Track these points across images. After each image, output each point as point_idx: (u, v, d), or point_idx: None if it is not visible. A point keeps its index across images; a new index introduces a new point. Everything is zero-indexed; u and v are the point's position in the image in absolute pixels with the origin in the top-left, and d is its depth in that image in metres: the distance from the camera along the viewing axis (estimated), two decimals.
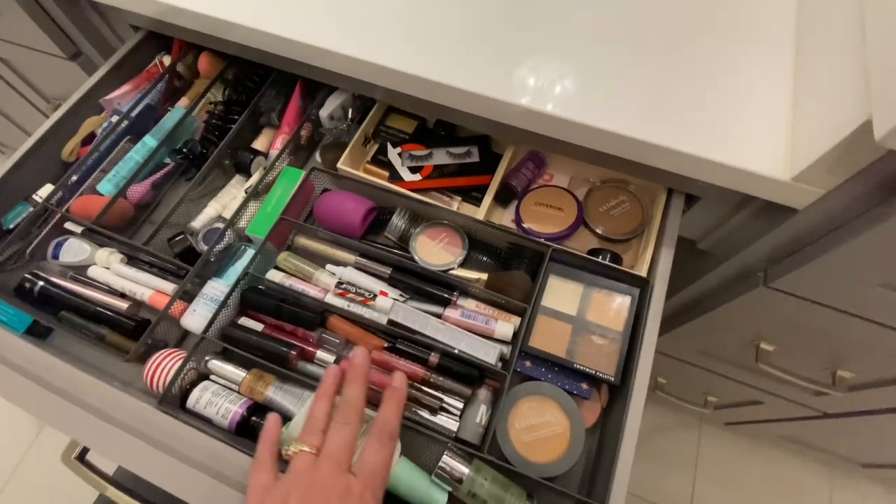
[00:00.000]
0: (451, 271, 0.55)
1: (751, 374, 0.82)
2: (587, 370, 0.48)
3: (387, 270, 0.56)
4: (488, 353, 0.50)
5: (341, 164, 0.60)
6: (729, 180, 0.47)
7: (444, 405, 0.49)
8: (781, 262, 0.54)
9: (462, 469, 0.44)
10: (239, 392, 0.48)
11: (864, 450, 0.99)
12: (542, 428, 0.47)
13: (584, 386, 0.49)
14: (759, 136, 0.47)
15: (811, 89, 0.47)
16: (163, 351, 0.50)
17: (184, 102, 0.68)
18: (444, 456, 0.44)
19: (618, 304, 0.51)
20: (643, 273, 0.51)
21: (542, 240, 0.54)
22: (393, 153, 0.63)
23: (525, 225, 0.58)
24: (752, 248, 0.55)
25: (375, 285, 0.55)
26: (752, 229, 0.54)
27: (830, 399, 0.77)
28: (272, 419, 0.41)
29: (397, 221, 0.58)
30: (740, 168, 0.45)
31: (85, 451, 0.49)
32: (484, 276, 0.55)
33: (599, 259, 0.53)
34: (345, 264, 0.57)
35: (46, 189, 0.62)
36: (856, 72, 0.39)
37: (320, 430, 0.38)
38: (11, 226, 0.60)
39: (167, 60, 0.71)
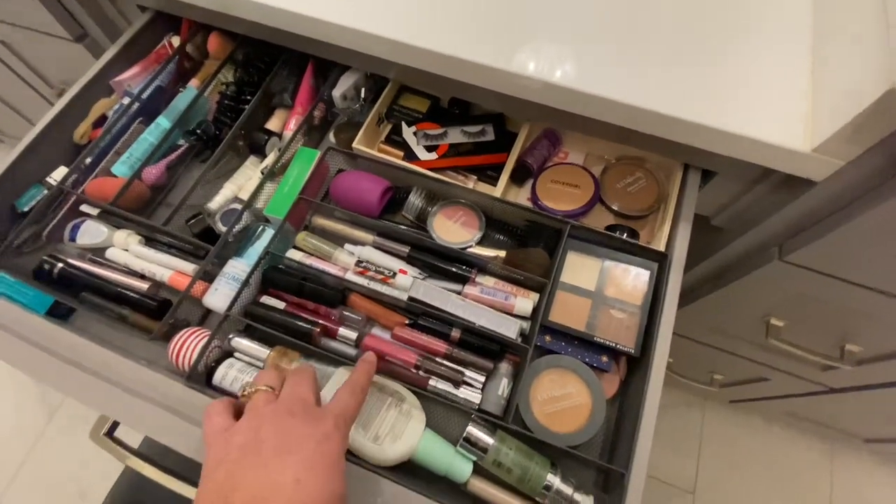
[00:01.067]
0: (469, 249, 0.56)
1: (759, 351, 0.83)
2: (607, 343, 0.49)
3: (405, 249, 0.56)
4: (509, 328, 0.51)
5: (356, 144, 0.60)
6: (748, 153, 0.47)
7: (467, 379, 0.49)
8: (797, 236, 0.55)
9: (487, 439, 0.45)
10: (264, 368, 0.49)
11: (868, 425, 1.01)
12: (563, 399, 0.48)
13: (604, 359, 0.50)
14: (777, 107, 0.47)
15: (831, 59, 0.47)
16: (186, 329, 0.51)
17: (195, 83, 0.68)
18: (469, 426, 0.45)
19: (636, 279, 0.52)
20: (661, 248, 0.52)
21: (560, 217, 0.55)
22: (408, 132, 0.63)
23: (542, 202, 0.59)
24: (768, 222, 0.56)
25: (394, 264, 0.55)
26: (769, 204, 0.54)
27: (837, 374, 0.79)
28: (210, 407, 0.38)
29: (414, 200, 0.58)
30: (760, 140, 0.46)
31: (113, 427, 0.50)
32: (502, 254, 0.55)
33: (617, 235, 0.54)
34: (363, 243, 0.57)
35: (60, 172, 0.61)
36: (877, 39, 0.40)
37: (276, 374, 0.38)
38: (26, 209, 0.60)
39: (176, 41, 0.70)
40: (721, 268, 0.69)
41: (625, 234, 0.54)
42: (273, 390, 0.36)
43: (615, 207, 0.58)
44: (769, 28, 0.52)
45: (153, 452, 0.48)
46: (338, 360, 0.49)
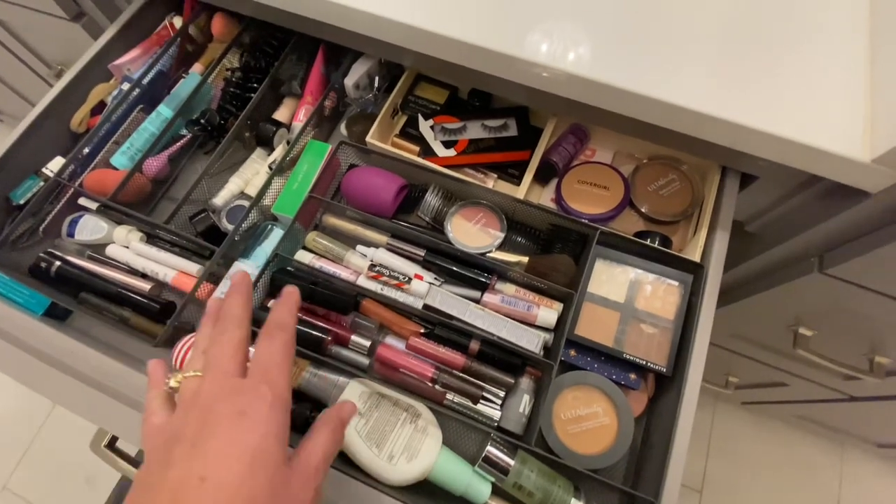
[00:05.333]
0: (489, 254, 0.52)
1: (782, 358, 0.80)
2: (637, 360, 0.46)
3: (421, 252, 0.53)
4: (531, 341, 0.48)
5: (370, 138, 0.56)
6: (799, 160, 0.43)
7: (485, 394, 0.47)
8: (840, 248, 0.51)
9: (507, 460, 0.43)
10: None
11: (883, 431, 0.99)
12: (588, 419, 0.45)
13: (633, 376, 0.47)
14: (832, 110, 0.43)
15: (894, 58, 0.43)
16: (192, 335, 0.48)
17: (198, 69, 0.64)
18: (489, 446, 0.43)
19: (669, 292, 0.49)
20: (696, 258, 0.49)
21: (587, 221, 0.51)
22: (425, 126, 0.59)
23: (567, 204, 0.55)
24: (809, 232, 0.52)
25: (409, 268, 0.52)
26: (814, 212, 0.50)
27: (860, 383, 0.76)
28: (152, 364, 0.33)
29: (431, 200, 0.55)
30: (813, 146, 0.42)
31: (115, 437, 0.47)
32: (524, 260, 0.52)
33: (648, 242, 0.50)
34: (376, 245, 0.54)
35: (57, 162, 0.58)
36: None
37: (202, 352, 0.32)
38: (22, 201, 0.57)
39: (178, 22, 0.66)
40: (752, 276, 0.66)
41: (657, 242, 0.51)
42: (200, 374, 0.30)
43: (645, 211, 0.55)
44: (822, 26, 0.48)
45: None
46: (349, 370, 0.46)
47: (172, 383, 0.30)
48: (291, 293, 0.35)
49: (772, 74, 0.45)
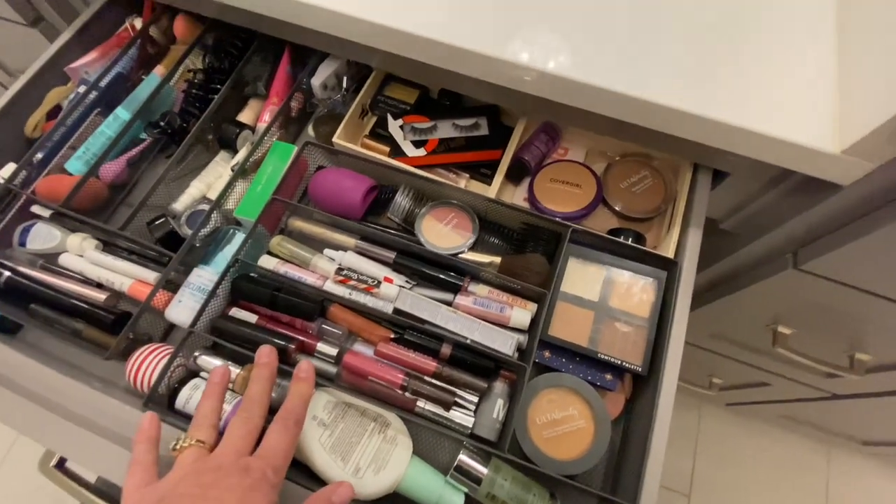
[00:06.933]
0: (461, 255, 0.51)
1: (763, 358, 0.79)
2: (612, 360, 0.44)
3: (391, 255, 0.51)
4: (504, 343, 0.46)
5: (337, 139, 0.55)
6: (768, 153, 0.43)
7: (458, 400, 0.45)
8: (814, 243, 0.51)
9: (480, 469, 0.41)
10: (233, 390, 0.44)
11: (867, 429, 0.99)
12: (564, 422, 0.44)
13: (609, 377, 0.46)
14: (801, 103, 0.43)
15: (862, 50, 0.43)
16: (147, 346, 0.46)
17: (159, 71, 0.61)
18: (461, 455, 0.41)
19: (643, 289, 0.47)
20: (670, 254, 0.48)
21: (559, 219, 0.50)
22: (394, 126, 0.57)
23: (540, 203, 0.54)
24: (783, 227, 0.52)
25: (379, 271, 0.50)
26: (786, 208, 0.50)
27: (842, 381, 0.76)
28: (148, 417, 0.36)
29: (401, 201, 0.53)
30: (783, 139, 0.41)
31: (65, 458, 0.45)
32: (497, 260, 0.50)
33: (622, 239, 0.49)
34: (344, 249, 0.52)
35: (9, 168, 0.55)
36: None
37: (210, 426, 0.35)
38: None
39: (139, 24, 0.64)
40: (728, 274, 0.65)
41: (630, 239, 0.50)
42: (205, 445, 0.34)
43: (618, 209, 0.54)
44: (790, 18, 0.48)
45: (111, 485, 0.43)
46: (315, 380, 0.44)
47: (179, 445, 0.33)
48: (306, 379, 0.38)
49: (740, 69, 0.45)
